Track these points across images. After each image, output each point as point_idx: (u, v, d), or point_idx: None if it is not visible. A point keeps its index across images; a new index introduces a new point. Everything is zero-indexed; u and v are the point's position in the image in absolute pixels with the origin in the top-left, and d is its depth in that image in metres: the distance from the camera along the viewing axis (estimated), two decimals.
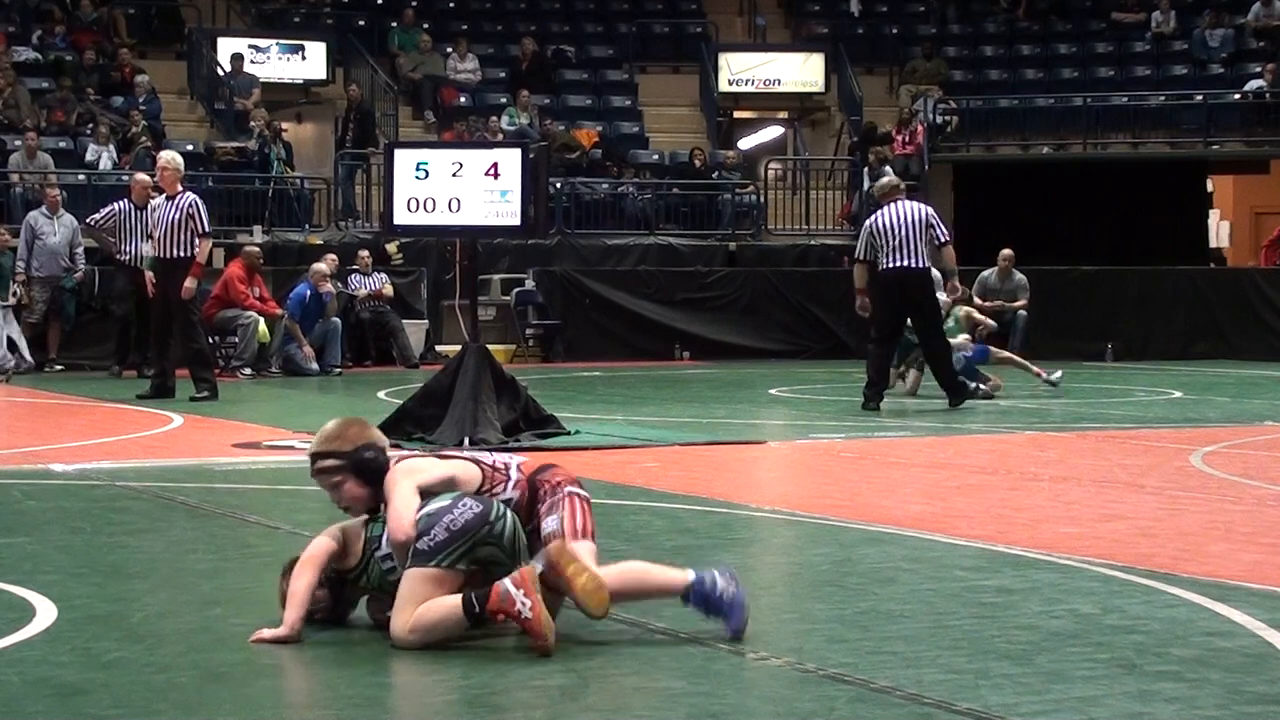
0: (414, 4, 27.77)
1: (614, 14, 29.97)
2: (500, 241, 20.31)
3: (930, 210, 14.19)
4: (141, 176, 17.48)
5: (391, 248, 21.83)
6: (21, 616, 5.27)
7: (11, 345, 18.30)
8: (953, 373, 14.10)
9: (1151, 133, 25.73)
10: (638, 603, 5.22)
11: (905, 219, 13.80)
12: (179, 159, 15.11)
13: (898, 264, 13.72)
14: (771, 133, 29.18)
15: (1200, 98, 25.54)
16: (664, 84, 28.39)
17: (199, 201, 14.54)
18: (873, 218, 14.14)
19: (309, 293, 19.01)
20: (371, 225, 22.40)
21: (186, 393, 14.40)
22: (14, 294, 18.64)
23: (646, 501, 8.22)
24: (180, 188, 14.57)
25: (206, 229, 14.49)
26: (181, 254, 14.37)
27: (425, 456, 5.42)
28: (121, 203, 17.34)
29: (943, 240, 13.96)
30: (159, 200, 14.72)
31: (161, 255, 14.53)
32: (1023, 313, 20.34)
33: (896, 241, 13.72)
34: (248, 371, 18.16)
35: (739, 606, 4.98)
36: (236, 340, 18.42)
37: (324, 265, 19.37)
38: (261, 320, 18.51)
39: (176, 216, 14.36)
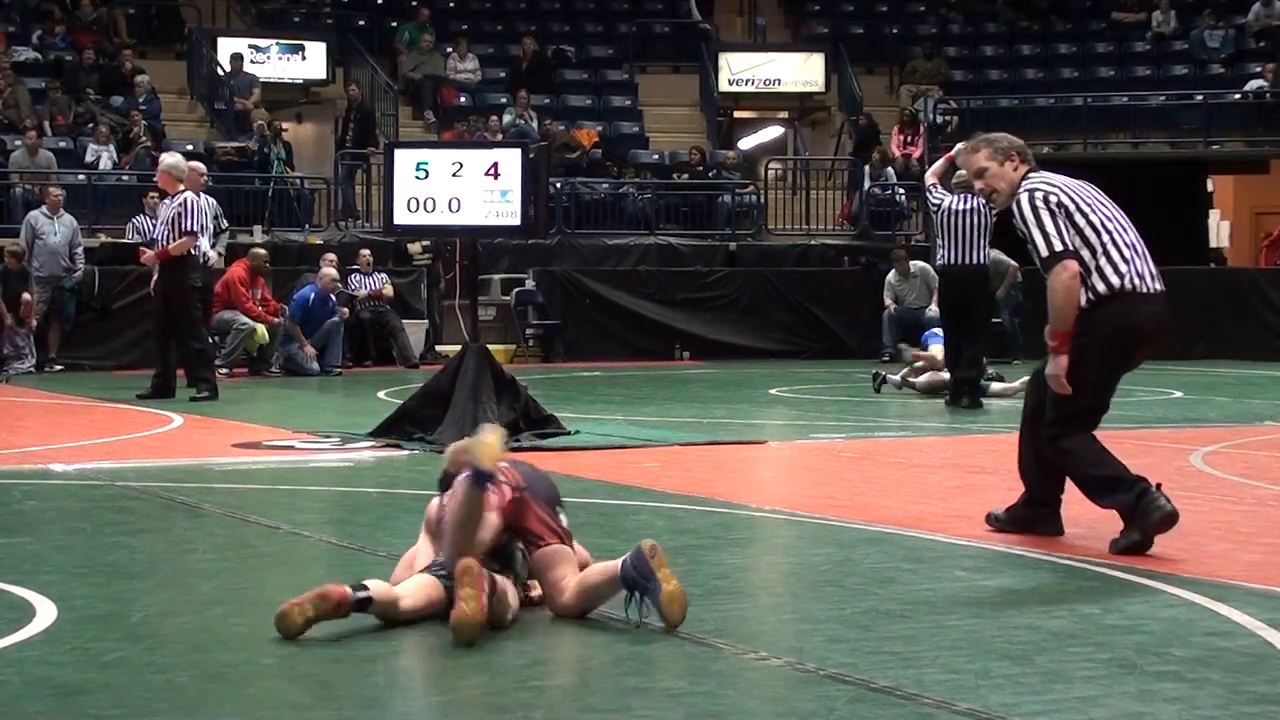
0: (414, 2, 27.77)
1: (614, 14, 29.97)
2: (500, 241, 20.31)
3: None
4: (195, 165, 16.29)
5: (415, 248, 21.83)
6: (21, 616, 5.27)
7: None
8: (977, 380, 14.14)
9: (1151, 133, 25.72)
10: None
11: (972, 216, 13.74)
12: (176, 160, 15.17)
13: (957, 260, 13.69)
14: (771, 133, 29.18)
15: (1200, 98, 25.53)
16: (664, 84, 28.39)
17: (191, 200, 14.57)
18: (950, 199, 13.86)
19: (313, 295, 18.98)
20: (372, 225, 22.40)
21: (187, 393, 14.42)
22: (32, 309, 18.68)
23: (646, 501, 8.21)
24: (181, 188, 14.70)
25: (190, 228, 14.48)
26: (179, 253, 14.47)
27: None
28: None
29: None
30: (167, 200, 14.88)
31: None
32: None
33: (960, 237, 13.69)
34: (224, 371, 18.07)
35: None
36: (228, 340, 18.38)
37: (334, 270, 19.38)
38: (259, 327, 18.50)
39: (171, 216, 14.53)
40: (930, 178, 14.27)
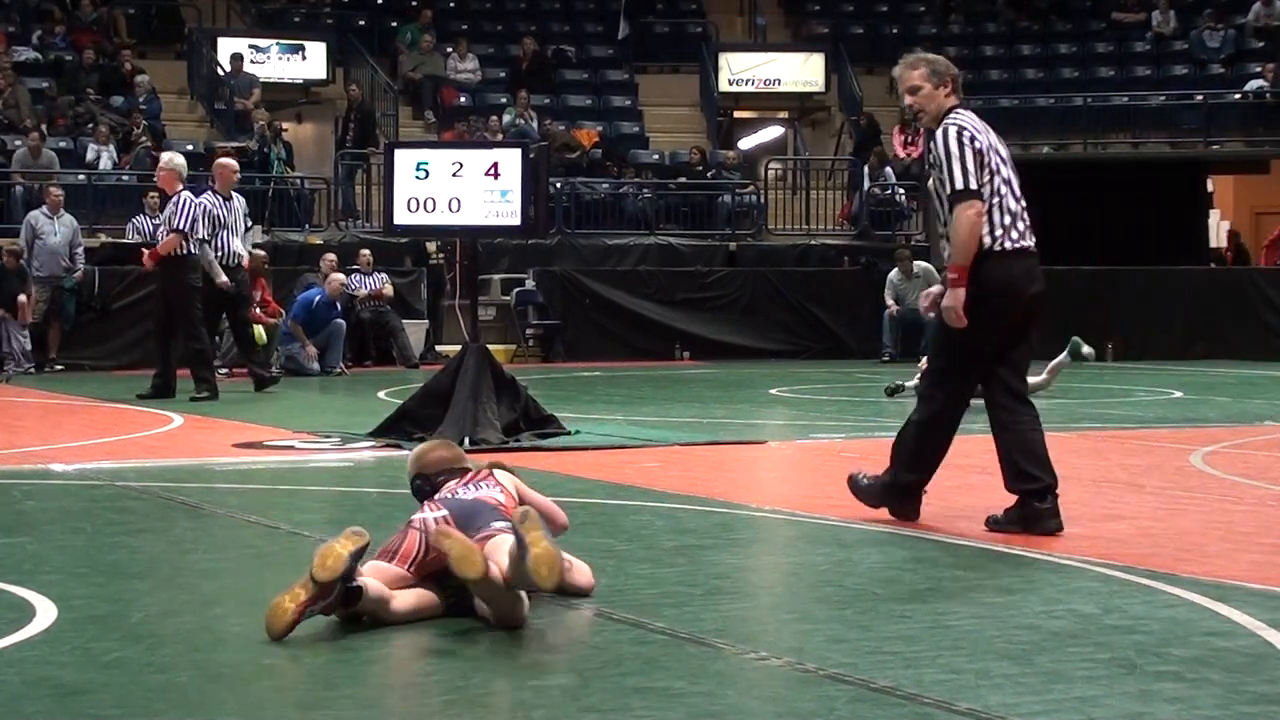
0: (414, 2, 27.78)
1: (614, 14, 29.96)
2: (500, 241, 20.33)
3: None
4: (227, 161, 16.07)
5: (431, 246, 21.87)
6: (21, 616, 5.26)
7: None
8: None
9: (1151, 133, 25.75)
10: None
11: None
12: (176, 160, 15.19)
13: None
14: (771, 133, 29.18)
15: (1200, 98, 25.54)
16: (664, 84, 28.40)
17: (184, 199, 14.58)
18: None
19: (318, 299, 18.96)
20: (372, 225, 22.41)
21: (187, 393, 14.42)
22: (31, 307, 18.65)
23: (646, 501, 8.21)
24: (180, 187, 14.72)
25: (179, 226, 14.48)
26: (178, 252, 14.48)
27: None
28: (206, 196, 15.19)
29: None
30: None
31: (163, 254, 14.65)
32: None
33: None
34: (224, 371, 18.08)
35: None
36: (223, 340, 18.38)
37: (342, 276, 19.40)
38: (256, 328, 18.47)
39: (167, 215, 14.60)
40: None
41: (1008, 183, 7.19)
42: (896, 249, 21.88)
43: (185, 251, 14.56)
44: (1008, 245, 7.13)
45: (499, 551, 5.12)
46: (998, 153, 7.20)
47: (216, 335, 16.82)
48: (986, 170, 7.11)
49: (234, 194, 15.55)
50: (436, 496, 5.53)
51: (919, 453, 7.40)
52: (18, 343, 18.50)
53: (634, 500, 8.23)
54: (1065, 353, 15.36)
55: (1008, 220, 7.14)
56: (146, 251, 15.24)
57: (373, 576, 5.20)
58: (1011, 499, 7.29)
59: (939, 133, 7.18)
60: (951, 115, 7.24)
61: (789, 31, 30.22)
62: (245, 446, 10.75)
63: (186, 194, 14.70)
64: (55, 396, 15.57)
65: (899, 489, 7.45)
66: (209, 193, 15.24)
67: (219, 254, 15.11)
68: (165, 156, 15.66)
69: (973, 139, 7.11)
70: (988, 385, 7.27)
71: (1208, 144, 25.38)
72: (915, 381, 15.28)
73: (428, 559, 5.24)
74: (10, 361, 18.38)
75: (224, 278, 15.05)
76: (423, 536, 5.29)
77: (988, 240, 7.09)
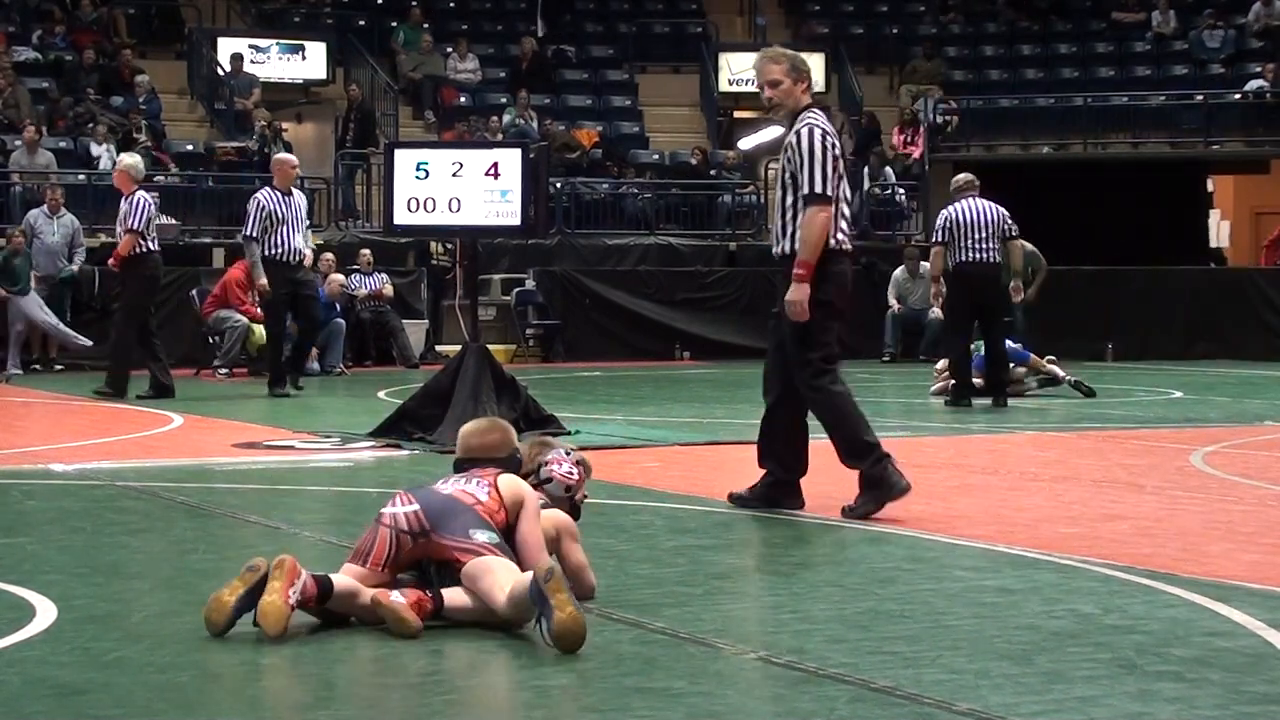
0: (414, 3, 27.78)
1: (614, 14, 29.98)
2: (500, 241, 20.32)
3: (1002, 208, 14.24)
4: (286, 157, 15.93)
5: (437, 247, 21.87)
6: (21, 616, 5.26)
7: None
8: (1006, 375, 14.31)
9: (1151, 133, 25.75)
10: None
11: (984, 214, 13.96)
12: (127, 160, 15.21)
13: (976, 259, 13.87)
14: (771, 133, 29.12)
15: (1200, 98, 25.54)
16: (664, 84, 28.40)
17: (140, 199, 14.59)
18: (951, 209, 14.16)
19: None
20: (372, 225, 22.40)
21: (186, 393, 14.41)
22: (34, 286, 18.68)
23: (646, 501, 8.21)
24: (135, 187, 14.70)
25: (132, 226, 14.50)
26: (137, 251, 14.50)
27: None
28: (264, 192, 15.06)
29: (1014, 233, 14.41)
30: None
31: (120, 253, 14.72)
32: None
33: (978, 236, 13.88)
34: (224, 372, 18.11)
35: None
36: (224, 340, 18.37)
37: (342, 276, 19.39)
38: (256, 327, 18.48)
39: (121, 215, 14.67)
40: (935, 272, 14.46)
41: (840, 185, 7.53)
42: (905, 248, 21.96)
43: (144, 250, 14.59)
44: (846, 246, 7.57)
45: (485, 577, 5.03)
46: (840, 157, 7.53)
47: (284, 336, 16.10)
48: (836, 175, 7.43)
49: (295, 190, 15.42)
50: (412, 489, 5.39)
51: (866, 429, 7.61)
52: (47, 317, 18.45)
53: (634, 500, 8.23)
54: (1065, 378, 15.28)
55: (845, 224, 7.57)
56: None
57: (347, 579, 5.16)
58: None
59: (804, 131, 7.42)
60: (810, 113, 7.51)
61: (789, 31, 30.18)
62: (245, 446, 10.75)
63: (140, 193, 14.69)
64: (55, 396, 15.57)
65: (880, 472, 7.52)
66: (266, 189, 15.14)
67: (278, 250, 14.92)
68: (120, 157, 15.70)
69: (833, 145, 7.43)
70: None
71: (1208, 144, 25.37)
72: (938, 385, 15.27)
73: (401, 556, 5.19)
74: (11, 363, 18.35)
75: (264, 280, 15.00)
76: (393, 533, 5.22)
77: (833, 241, 7.47)
